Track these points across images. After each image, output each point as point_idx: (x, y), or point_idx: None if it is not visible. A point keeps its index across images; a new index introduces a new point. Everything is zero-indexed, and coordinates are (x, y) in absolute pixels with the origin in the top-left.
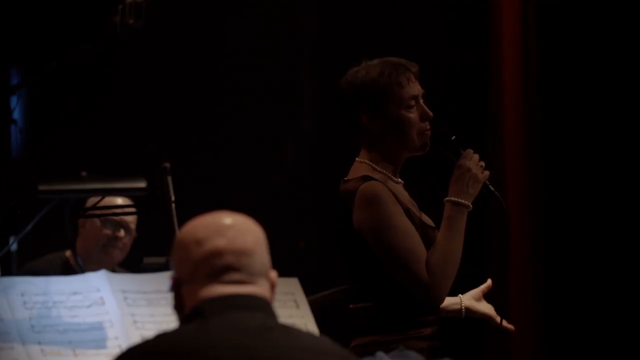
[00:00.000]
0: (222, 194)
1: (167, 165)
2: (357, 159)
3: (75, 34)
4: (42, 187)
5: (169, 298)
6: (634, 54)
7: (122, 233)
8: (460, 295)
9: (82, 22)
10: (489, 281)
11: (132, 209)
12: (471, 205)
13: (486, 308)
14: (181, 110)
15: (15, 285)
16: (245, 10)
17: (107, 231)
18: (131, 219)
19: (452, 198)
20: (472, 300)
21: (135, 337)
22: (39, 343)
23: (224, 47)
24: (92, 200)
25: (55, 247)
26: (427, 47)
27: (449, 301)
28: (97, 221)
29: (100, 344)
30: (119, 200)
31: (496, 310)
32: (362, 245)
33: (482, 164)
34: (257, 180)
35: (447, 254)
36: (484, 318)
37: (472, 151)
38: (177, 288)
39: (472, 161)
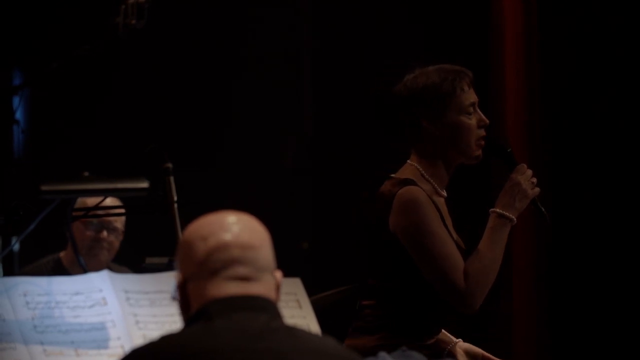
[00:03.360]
0: (222, 194)
1: (169, 165)
2: (408, 161)
3: (77, 35)
4: (44, 187)
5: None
6: (636, 53)
7: (104, 234)
8: (460, 340)
9: (84, 22)
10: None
11: (122, 210)
12: (515, 220)
13: None
14: (183, 111)
15: (17, 285)
16: (246, 10)
17: (90, 233)
18: (115, 217)
19: (498, 210)
20: (463, 351)
21: (137, 337)
22: (41, 343)
23: (225, 48)
24: (80, 202)
25: (57, 248)
26: (427, 47)
27: (446, 337)
28: (79, 225)
29: (102, 344)
30: (108, 201)
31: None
32: (393, 248)
33: (534, 180)
34: (258, 180)
35: (486, 264)
36: None
37: (525, 166)
38: (182, 289)
39: (525, 176)
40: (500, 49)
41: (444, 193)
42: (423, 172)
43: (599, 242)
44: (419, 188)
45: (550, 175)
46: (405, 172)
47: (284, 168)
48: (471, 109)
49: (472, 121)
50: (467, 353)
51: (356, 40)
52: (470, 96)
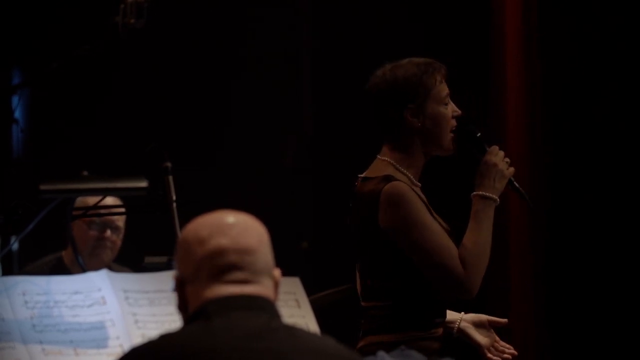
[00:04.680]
0: (222, 193)
1: (169, 164)
2: (378, 156)
3: (76, 34)
4: (43, 187)
5: (170, 297)
6: (638, 50)
7: (108, 233)
8: (462, 314)
9: (83, 21)
10: (505, 320)
11: (122, 209)
12: (498, 200)
13: (480, 338)
14: (183, 110)
15: (16, 284)
16: (246, 10)
17: (93, 233)
18: (117, 217)
19: (480, 192)
20: (470, 324)
21: (136, 336)
22: (40, 342)
23: (225, 48)
24: (80, 202)
25: (56, 248)
26: (427, 47)
27: (449, 316)
28: (82, 224)
29: (101, 343)
30: (108, 200)
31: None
32: (387, 245)
33: (508, 160)
34: (258, 179)
35: (480, 248)
36: (475, 346)
37: (497, 147)
38: (180, 288)
39: (498, 157)
40: (502, 47)
41: (418, 183)
42: (397, 165)
43: (599, 244)
44: (403, 183)
45: (550, 176)
46: (379, 169)
47: (284, 167)
48: (447, 100)
49: (448, 112)
50: (474, 324)
51: (356, 40)
52: (445, 87)
